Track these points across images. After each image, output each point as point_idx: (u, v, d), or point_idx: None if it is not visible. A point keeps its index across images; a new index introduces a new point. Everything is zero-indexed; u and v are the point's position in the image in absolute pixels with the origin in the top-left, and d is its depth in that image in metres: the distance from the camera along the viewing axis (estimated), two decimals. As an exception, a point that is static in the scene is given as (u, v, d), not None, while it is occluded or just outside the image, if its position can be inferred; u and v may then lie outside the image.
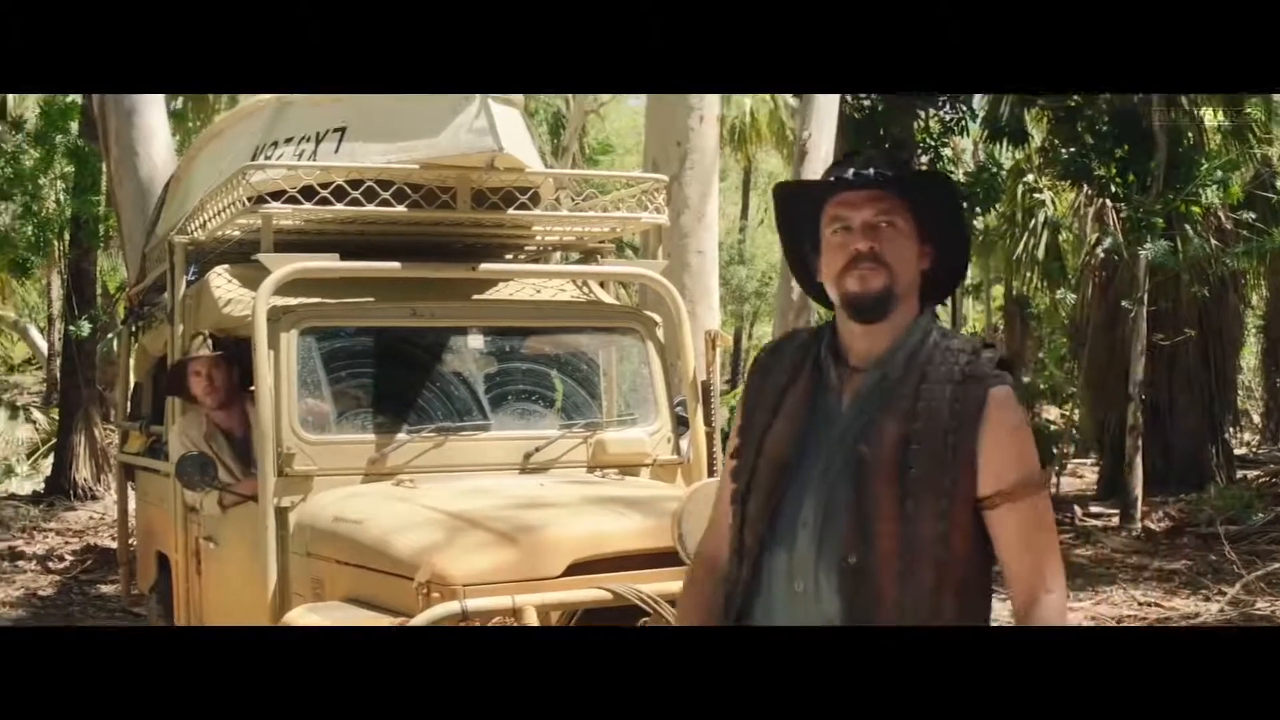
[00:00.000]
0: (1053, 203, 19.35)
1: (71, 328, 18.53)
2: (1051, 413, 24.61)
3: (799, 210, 3.14)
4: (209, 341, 6.49)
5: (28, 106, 25.50)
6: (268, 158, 6.92)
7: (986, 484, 2.85)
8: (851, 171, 2.98)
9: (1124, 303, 16.70)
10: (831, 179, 3.03)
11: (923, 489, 2.82)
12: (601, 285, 7.35)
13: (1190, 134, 18.01)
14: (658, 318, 6.86)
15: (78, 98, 19.70)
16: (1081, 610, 11.18)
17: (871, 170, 2.98)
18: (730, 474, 3.11)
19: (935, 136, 18.47)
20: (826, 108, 12.23)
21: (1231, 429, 19.74)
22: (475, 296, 6.83)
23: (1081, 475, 21.45)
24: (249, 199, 6.38)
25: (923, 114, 18.06)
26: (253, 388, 6.38)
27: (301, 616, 5.18)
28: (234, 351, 6.49)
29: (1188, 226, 17.13)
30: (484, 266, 6.76)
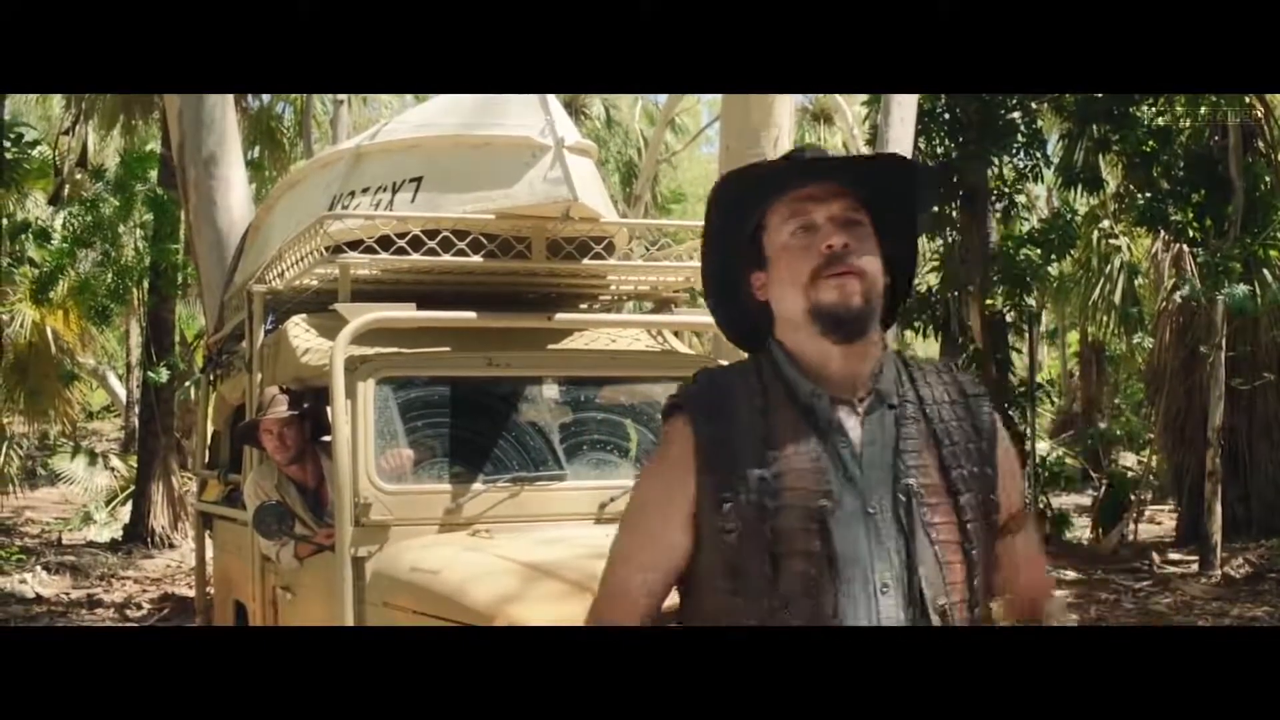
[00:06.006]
0: (1129, 248, 19.19)
1: (150, 375, 18.71)
2: (1129, 459, 24.40)
3: (740, 211, 2.63)
4: (285, 396, 6.50)
5: (109, 155, 25.92)
6: (345, 207, 6.98)
7: (1009, 504, 2.61)
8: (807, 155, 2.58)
9: (1202, 348, 16.55)
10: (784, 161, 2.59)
11: (976, 514, 2.52)
12: (675, 334, 7.35)
13: (1267, 178, 17.86)
14: (731, 366, 6.80)
15: (156, 146, 20.00)
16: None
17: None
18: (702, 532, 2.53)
19: (1009, 183, 18.43)
20: (899, 156, 12.14)
21: (1313, 473, 19.42)
22: (550, 346, 6.83)
23: (1160, 522, 21.21)
24: (327, 248, 6.44)
25: (997, 161, 18.01)
26: (326, 438, 6.41)
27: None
28: (309, 402, 6.52)
29: (1266, 271, 16.97)
30: (559, 316, 6.76)
